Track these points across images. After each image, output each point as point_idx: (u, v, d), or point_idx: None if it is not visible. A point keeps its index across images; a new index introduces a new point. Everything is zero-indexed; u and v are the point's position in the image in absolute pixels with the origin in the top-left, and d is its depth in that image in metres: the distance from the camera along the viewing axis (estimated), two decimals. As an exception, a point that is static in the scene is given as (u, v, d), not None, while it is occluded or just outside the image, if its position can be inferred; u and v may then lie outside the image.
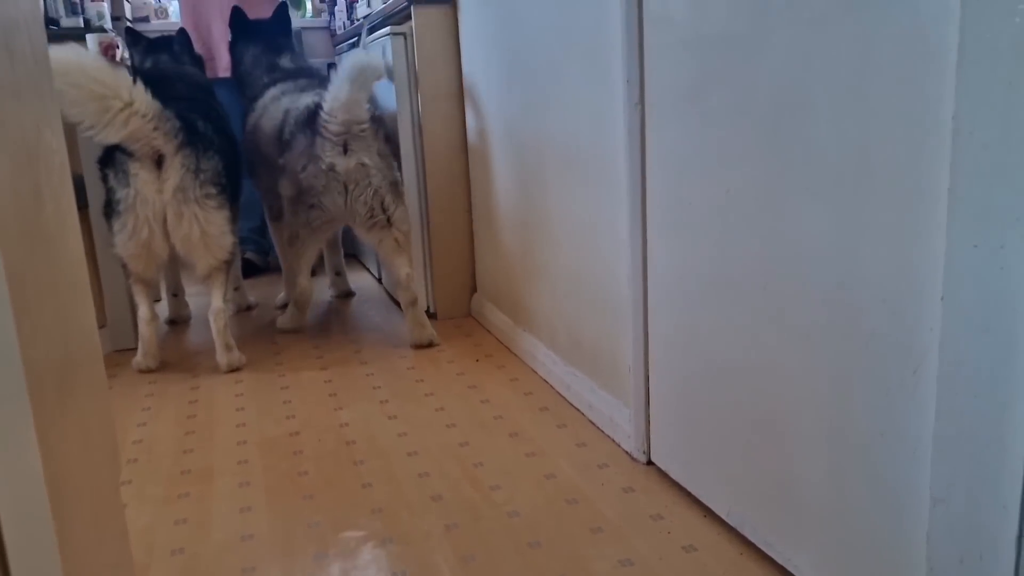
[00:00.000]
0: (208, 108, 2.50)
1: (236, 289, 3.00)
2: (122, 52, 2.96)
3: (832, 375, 1.05)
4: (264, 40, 2.94)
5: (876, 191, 0.94)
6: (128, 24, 3.68)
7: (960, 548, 0.85)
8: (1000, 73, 0.74)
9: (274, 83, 2.81)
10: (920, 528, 0.91)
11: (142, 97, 2.12)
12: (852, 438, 1.03)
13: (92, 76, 2.04)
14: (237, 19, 2.98)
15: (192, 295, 3.05)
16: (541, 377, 2.11)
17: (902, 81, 0.89)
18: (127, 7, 3.79)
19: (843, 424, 1.04)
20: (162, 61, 2.75)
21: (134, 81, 2.12)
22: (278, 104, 2.68)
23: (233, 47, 3.02)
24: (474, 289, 2.74)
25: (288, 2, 3.67)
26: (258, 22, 3.00)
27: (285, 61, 2.92)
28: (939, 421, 0.85)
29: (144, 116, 2.12)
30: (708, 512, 1.39)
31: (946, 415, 0.84)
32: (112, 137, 2.11)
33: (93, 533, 0.93)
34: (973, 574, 0.83)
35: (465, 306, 2.75)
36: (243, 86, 2.97)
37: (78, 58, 2.04)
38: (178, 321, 2.92)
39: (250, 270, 3.48)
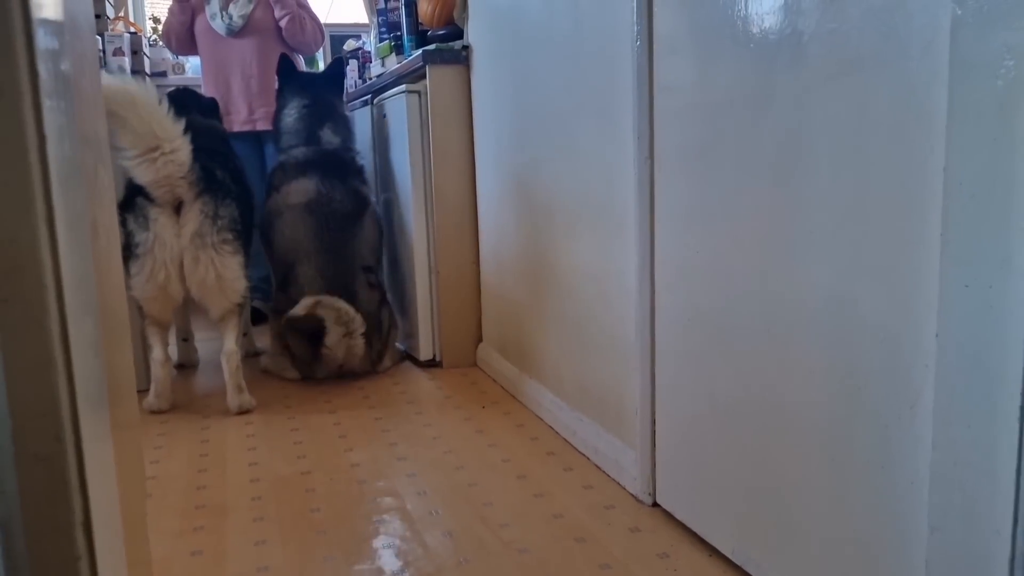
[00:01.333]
0: (226, 158, 2.59)
1: (244, 335, 3.05)
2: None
3: (833, 413, 1.11)
4: (312, 99, 2.88)
5: (874, 238, 1.02)
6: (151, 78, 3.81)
7: (957, 573, 0.90)
8: (986, 130, 0.82)
9: (308, 165, 2.76)
10: (919, 556, 0.96)
11: (185, 149, 2.23)
12: (853, 472, 1.08)
13: (156, 117, 2.17)
14: (285, 67, 2.96)
15: (201, 340, 3.10)
16: (547, 423, 2.16)
17: (897, 137, 0.97)
18: (146, 61, 3.92)
19: (844, 460, 1.10)
20: (189, 111, 2.86)
21: (184, 132, 2.23)
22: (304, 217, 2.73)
23: (280, 95, 2.97)
24: (480, 339, 2.79)
25: (305, 61, 3.80)
26: (312, 76, 3.03)
27: (327, 134, 2.84)
28: (935, 452, 0.91)
29: (181, 166, 2.21)
30: (713, 551, 1.43)
31: (941, 446, 0.90)
32: (144, 176, 2.19)
33: (128, 555, 0.97)
34: (970, 597, 0.88)
35: (471, 356, 2.80)
36: (279, 139, 2.93)
37: (148, 96, 2.17)
38: (187, 365, 2.97)
39: (258, 318, 3.53)
